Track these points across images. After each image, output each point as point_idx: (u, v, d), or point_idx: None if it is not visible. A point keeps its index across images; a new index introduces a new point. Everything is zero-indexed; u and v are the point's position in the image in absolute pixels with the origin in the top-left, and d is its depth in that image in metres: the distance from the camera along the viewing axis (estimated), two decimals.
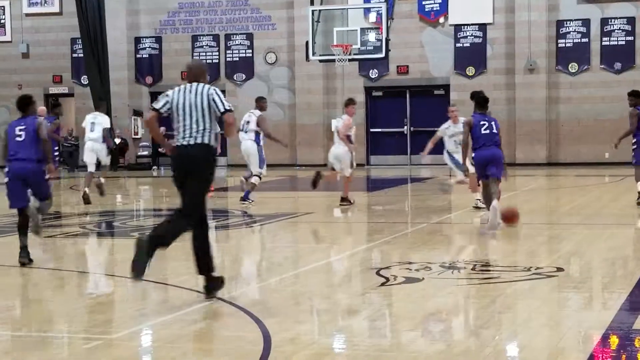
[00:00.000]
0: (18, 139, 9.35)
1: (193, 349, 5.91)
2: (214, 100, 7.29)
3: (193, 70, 7.72)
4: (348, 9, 23.40)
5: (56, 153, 15.75)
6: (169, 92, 7.50)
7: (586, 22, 25.13)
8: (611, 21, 25.00)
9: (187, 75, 7.71)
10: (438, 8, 25.93)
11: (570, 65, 25.30)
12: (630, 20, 24.86)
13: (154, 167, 27.37)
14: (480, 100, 12.15)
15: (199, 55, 27.90)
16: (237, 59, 27.66)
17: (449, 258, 9.32)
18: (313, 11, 21.77)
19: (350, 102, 15.01)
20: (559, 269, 8.47)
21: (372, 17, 23.65)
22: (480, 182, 11.80)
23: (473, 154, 11.69)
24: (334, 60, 21.95)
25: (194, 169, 7.21)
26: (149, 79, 28.36)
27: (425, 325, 6.49)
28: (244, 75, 27.56)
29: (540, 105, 25.18)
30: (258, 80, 27.42)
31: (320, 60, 23.19)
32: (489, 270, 8.55)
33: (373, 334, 6.29)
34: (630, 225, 12.54)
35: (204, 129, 7.23)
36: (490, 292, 7.63)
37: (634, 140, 14.60)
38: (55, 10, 28.82)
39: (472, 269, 8.54)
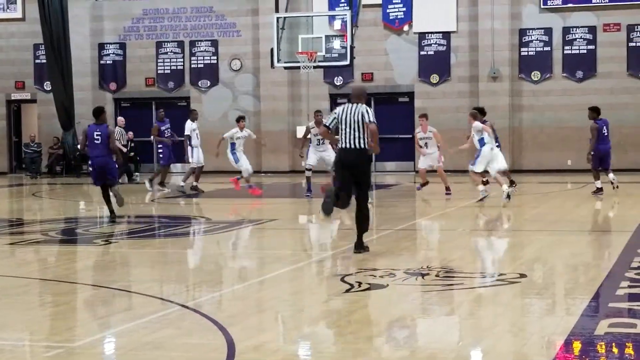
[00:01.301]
0: (96, 141, 13.55)
1: (156, 356, 5.86)
2: (363, 115, 9.97)
3: (354, 93, 10.38)
4: (313, 16, 23.42)
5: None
6: (337, 110, 10.30)
7: (548, 31, 25.40)
8: (573, 30, 25.29)
9: (351, 97, 10.40)
10: (402, 16, 26.07)
11: (532, 74, 25.54)
12: (592, 29, 25.16)
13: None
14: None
15: (163, 62, 27.79)
16: (202, 65, 27.57)
17: (413, 265, 9.35)
18: (278, 18, 21.76)
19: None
20: (522, 275, 8.53)
21: (337, 24, 23.71)
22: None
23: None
24: (299, 68, 21.95)
25: (355, 164, 10.04)
26: (112, 85, 28.16)
27: (390, 332, 6.50)
28: (208, 82, 27.48)
29: (504, 112, 25.38)
30: (223, 87, 27.36)
31: (285, 67, 23.17)
32: (453, 277, 8.59)
33: (338, 341, 6.29)
34: (592, 232, 12.67)
35: (359, 137, 9.97)
36: (454, 299, 7.67)
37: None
38: (17, 16, 28.54)
39: (436, 276, 8.57)
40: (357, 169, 10.07)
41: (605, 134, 17.17)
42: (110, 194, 14.01)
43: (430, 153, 17.72)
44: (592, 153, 17.10)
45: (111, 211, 13.94)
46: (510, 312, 7.10)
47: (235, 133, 18.32)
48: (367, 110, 10.02)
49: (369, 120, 9.96)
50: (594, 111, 17.32)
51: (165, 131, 20.75)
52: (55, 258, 10.78)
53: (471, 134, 16.13)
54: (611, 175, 17.18)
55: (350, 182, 10.11)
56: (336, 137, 10.70)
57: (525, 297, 7.70)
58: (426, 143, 17.68)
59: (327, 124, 10.38)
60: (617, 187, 17.22)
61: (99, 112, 13.72)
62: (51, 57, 26.60)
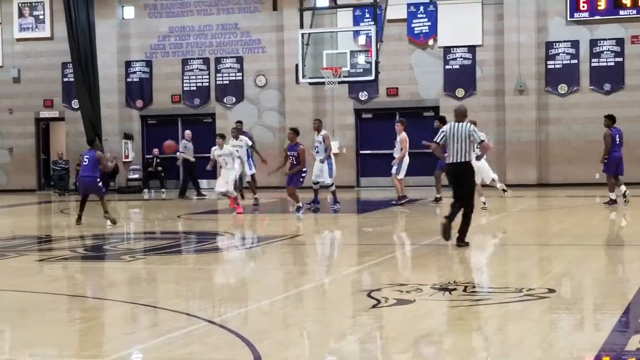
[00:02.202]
0: (84, 163, 16.33)
1: None
2: (470, 134, 11.58)
3: (458, 113, 11.86)
4: (338, 32, 23.47)
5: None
6: (444, 128, 11.85)
7: (575, 44, 25.27)
8: (600, 42, 25.15)
9: (455, 116, 11.84)
10: (427, 30, 26.06)
11: (559, 87, 25.41)
12: (619, 42, 25.00)
13: (145, 190, 27.31)
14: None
15: (189, 79, 27.94)
16: (227, 82, 27.69)
17: (440, 280, 9.30)
18: (303, 34, 21.83)
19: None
20: (551, 290, 8.45)
21: (362, 39, 23.73)
22: None
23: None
24: (323, 83, 21.98)
25: (462, 175, 11.64)
26: (139, 103, 28.35)
27: (417, 348, 6.46)
28: (234, 98, 27.58)
29: (530, 126, 25.25)
30: (248, 103, 27.45)
31: (310, 83, 23.22)
32: (481, 292, 8.54)
33: (364, 357, 6.26)
34: (621, 246, 12.55)
35: (466, 152, 11.57)
36: (482, 314, 7.61)
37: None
38: (46, 35, 28.83)
39: (463, 291, 8.52)
40: (461, 179, 11.67)
41: (618, 142, 17.96)
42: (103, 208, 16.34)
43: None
44: (606, 159, 17.86)
45: (79, 217, 16.37)
46: (539, 328, 7.03)
47: (214, 150, 18.39)
48: (474, 130, 11.70)
49: (480, 140, 11.89)
50: (610, 119, 18.16)
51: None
52: (83, 274, 10.84)
53: None
54: (623, 188, 17.50)
55: (459, 190, 11.74)
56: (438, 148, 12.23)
57: (554, 312, 7.63)
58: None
59: (437, 140, 11.88)
60: (628, 200, 17.41)
61: (91, 142, 17.56)
62: (79, 75, 26.84)
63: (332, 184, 18.69)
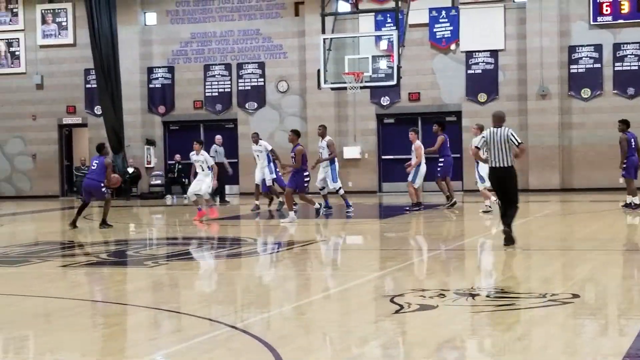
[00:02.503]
0: (92, 167, 16.84)
1: None
2: (509, 138, 11.99)
3: (497, 118, 12.26)
4: (359, 37, 23.48)
5: None
6: (484, 134, 12.35)
7: (598, 48, 25.13)
8: (623, 46, 24.99)
9: (494, 121, 12.23)
10: (449, 35, 26.01)
11: (582, 91, 25.27)
12: None
13: (167, 196, 27.42)
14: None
15: (211, 84, 28.02)
16: (249, 87, 27.77)
17: (463, 285, 9.26)
18: (324, 40, 21.85)
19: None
20: (575, 296, 8.40)
21: (383, 44, 23.72)
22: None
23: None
24: (345, 88, 21.98)
25: (506, 179, 12.12)
26: (161, 109, 28.48)
27: (440, 353, 6.44)
28: (255, 103, 27.64)
29: (553, 131, 25.13)
30: (270, 108, 27.49)
31: (332, 88, 23.23)
32: (504, 297, 8.49)
33: None
34: None
35: (506, 156, 12.01)
36: (506, 319, 7.57)
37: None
38: (69, 41, 29.03)
39: (487, 296, 8.48)
40: (507, 184, 12.15)
41: (634, 146, 18.08)
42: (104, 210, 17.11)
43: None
44: (624, 163, 17.99)
45: (74, 221, 16.93)
46: (563, 333, 6.98)
47: (192, 155, 18.63)
48: (512, 134, 12.10)
49: (518, 143, 12.12)
50: (625, 123, 18.29)
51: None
52: (106, 280, 10.89)
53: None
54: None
55: (504, 195, 12.23)
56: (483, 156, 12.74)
57: (578, 317, 7.57)
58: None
59: (478, 145, 12.45)
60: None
61: (100, 147, 17.23)
62: (101, 81, 27.01)
63: (340, 188, 18.93)
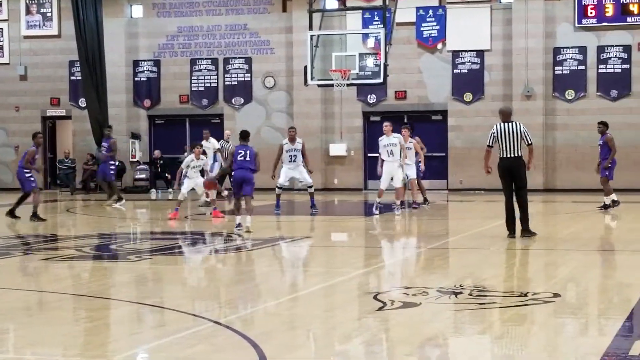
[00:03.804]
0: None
1: None
2: (522, 133, 12.80)
3: (506, 113, 13.02)
4: (347, 34, 23.49)
5: None
6: (493, 130, 12.88)
7: (583, 50, 25.25)
8: (607, 49, 25.13)
9: (503, 117, 12.95)
10: (436, 34, 26.06)
11: (567, 92, 25.40)
12: (627, 48, 24.98)
13: (152, 190, 27.35)
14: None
15: (197, 79, 27.96)
16: (236, 82, 27.73)
17: (446, 283, 9.31)
18: (312, 36, 21.85)
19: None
20: (556, 295, 8.46)
21: (371, 42, 23.74)
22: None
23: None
24: (332, 85, 21.99)
25: (514, 169, 12.78)
26: (147, 102, 28.40)
27: (423, 351, 6.47)
28: (242, 99, 27.61)
29: (537, 131, 25.20)
30: (256, 104, 27.47)
31: (319, 85, 23.24)
32: (486, 296, 8.54)
33: (370, 359, 6.27)
34: (626, 252, 12.54)
35: (517, 148, 12.72)
36: (487, 318, 7.62)
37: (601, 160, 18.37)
38: (53, 32, 28.88)
39: (469, 294, 8.52)
40: (515, 172, 12.77)
41: None
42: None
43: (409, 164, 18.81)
44: (610, 164, 18.30)
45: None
46: (543, 332, 7.04)
47: (190, 158, 18.54)
48: (526, 130, 12.90)
49: (530, 142, 12.99)
50: (605, 125, 18.67)
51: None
52: (89, 274, 10.87)
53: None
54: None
55: (511, 186, 12.83)
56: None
57: (559, 316, 7.63)
58: (392, 150, 17.97)
59: (489, 144, 12.95)
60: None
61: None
62: (86, 73, 26.90)
63: (312, 186, 18.96)
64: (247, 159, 15.01)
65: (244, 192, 15.11)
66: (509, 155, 12.75)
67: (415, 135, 19.98)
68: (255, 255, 12.46)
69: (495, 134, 12.82)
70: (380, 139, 18.12)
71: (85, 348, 6.65)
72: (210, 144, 20.61)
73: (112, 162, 21.79)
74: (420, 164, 19.24)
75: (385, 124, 18.34)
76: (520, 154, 12.83)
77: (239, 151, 15.14)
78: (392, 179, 17.84)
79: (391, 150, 17.70)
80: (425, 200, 19.73)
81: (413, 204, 19.10)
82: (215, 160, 20.71)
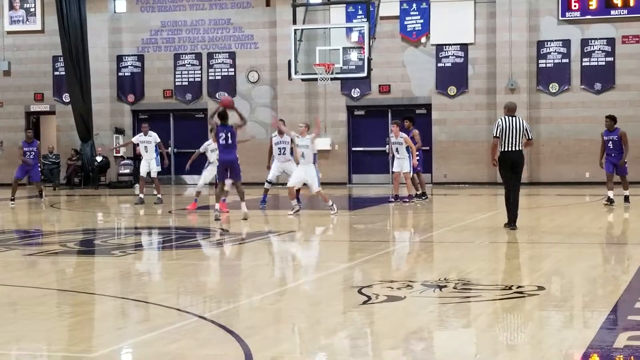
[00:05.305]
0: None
1: None
2: (525, 127, 13.31)
3: (511, 108, 13.45)
4: (330, 28, 23.48)
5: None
6: (499, 122, 13.29)
7: (566, 43, 25.34)
8: (591, 42, 25.22)
9: (508, 111, 13.40)
10: (420, 28, 26.08)
11: (550, 86, 25.48)
12: (610, 41, 25.08)
13: (136, 185, 27.26)
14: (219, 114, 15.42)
15: (181, 74, 27.89)
16: (220, 77, 27.68)
17: (431, 277, 9.33)
18: (295, 30, 21.83)
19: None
20: (540, 288, 8.49)
21: (354, 36, 23.74)
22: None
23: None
24: (316, 80, 21.99)
25: (516, 161, 13.27)
26: (130, 97, 28.31)
27: (407, 344, 6.48)
28: (226, 93, 27.51)
29: None
30: (240, 98, 27.41)
31: (303, 79, 23.24)
32: (471, 289, 8.56)
33: (355, 353, 6.28)
34: (610, 244, 12.60)
35: (519, 141, 13.15)
36: (472, 311, 7.64)
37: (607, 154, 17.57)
38: (37, 28, 28.74)
39: (453, 288, 8.54)
40: (517, 166, 13.30)
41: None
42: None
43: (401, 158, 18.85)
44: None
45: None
46: (528, 325, 7.06)
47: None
48: (528, 126, 13.51)
49: (531, 137, 13.49)
50: (614, 120, 17.65)
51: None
52: (73, 269, 10.83)
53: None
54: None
55: (511, 178, 13.29)
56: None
57: (543, 309, 7.66)
58: (397, 149, 18.79)
59: (496, 135, 13.21)
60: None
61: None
62: (70, 69, 26.78)
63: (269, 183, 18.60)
64: (229, 142, 15.23)
65: (232, 178, 15.44)
66: (513, 149, 13.18)
67: (414, 128, 19.71)
68: (240, 249, 12.45)
69: (502, 127, 13.19)
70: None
71: (70, 343, 6.63)
72: (152, 137, 20.24)
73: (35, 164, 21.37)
74: (412, 159, 18.98)
75: (392, 123, 19.40)
76: (522, 148, 13.30)
77: (220, 134, 15.32)
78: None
79: (397, 149, 18.73)
80: (424, 194, 19.63)
81: (404, 198, 19.07)
82: (157, 154, 20.21)
